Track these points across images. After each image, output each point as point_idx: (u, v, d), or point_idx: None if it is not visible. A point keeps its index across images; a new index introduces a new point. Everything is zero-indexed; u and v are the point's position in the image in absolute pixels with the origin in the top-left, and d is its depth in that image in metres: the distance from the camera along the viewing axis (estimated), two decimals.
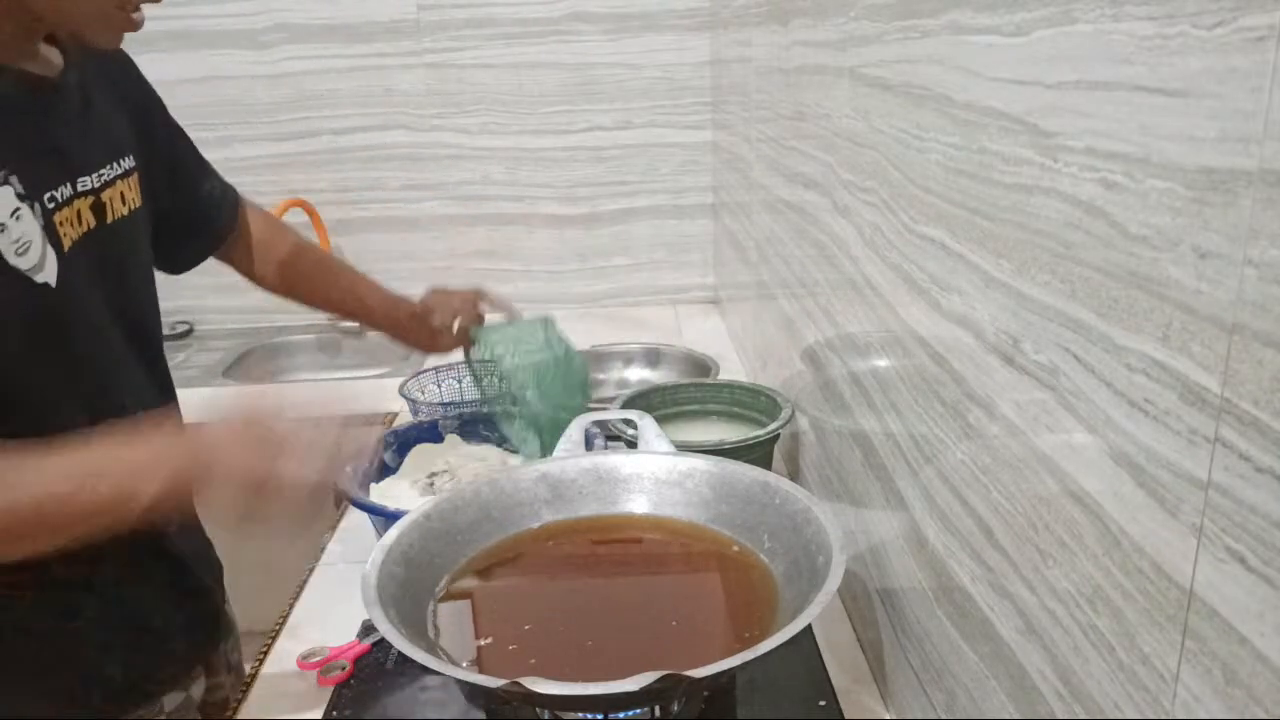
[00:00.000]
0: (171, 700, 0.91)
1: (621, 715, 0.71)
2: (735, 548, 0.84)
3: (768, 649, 0.62)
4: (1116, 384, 0.42)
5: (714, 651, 0.63)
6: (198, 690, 0.96)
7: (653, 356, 1.67)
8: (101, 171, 0.83)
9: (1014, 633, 0.55)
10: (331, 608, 1.01)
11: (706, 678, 0.60)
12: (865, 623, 0.91)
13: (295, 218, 1.94)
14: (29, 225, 0.73)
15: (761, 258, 1.44)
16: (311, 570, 1.10)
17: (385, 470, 1.16)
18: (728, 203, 1.84)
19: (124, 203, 0.86)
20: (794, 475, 1.20)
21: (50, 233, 0.75)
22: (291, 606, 1.03)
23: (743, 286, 1.68)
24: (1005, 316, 0.54)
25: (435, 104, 1.98)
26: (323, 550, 1.14)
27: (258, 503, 0.70)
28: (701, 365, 1.56)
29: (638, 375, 1.61)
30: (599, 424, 1.05)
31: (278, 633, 0.98)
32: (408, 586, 0.76)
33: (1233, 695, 0.35)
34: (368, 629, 0.94)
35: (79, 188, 0.80)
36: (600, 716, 0.70)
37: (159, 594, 0.92)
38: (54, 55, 0.81)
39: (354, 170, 2.01)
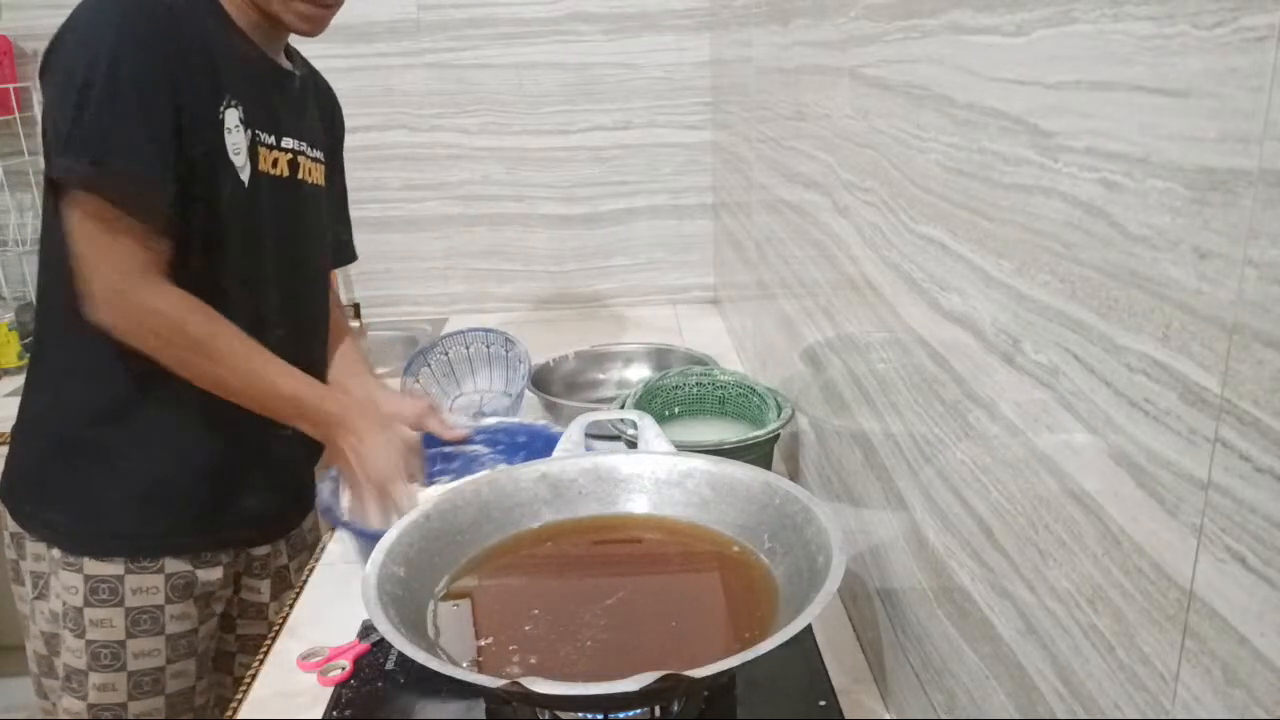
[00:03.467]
0: (173, 564, 1.05)
1: (621, 715, 0.71)
2: (735, 548, 0.84)
3: (768, 649, 0.62)
4: (1116, 384, 0.42)
5: (714, 651, 0.63)
6: (209, 573, 1.08)
7: (653, 356, 1.67)
8: (303, 142, 1.10)
9: (1014, 633, 0.55)
10: (331, 608, 1.01)
11: (706, 678, 0.60)
12: (865, 623, 0.91)
13: None
14: (242, 140, 1.00)
15: (761, 258, 1.44)
16: (311, 570, 1.10)
17: None
18: (728, 203, 1.84)
19: (312, 176, 1.13)
20: (794, 475, 1.20)
21: (253, 155, 1.02)
22: (291, 606, 1.03)
23: (743, 286, 1.68)
24: (1005, 316, 0.54)
25: (435, 104, 1.98)
26: (323, 550, 1.14)
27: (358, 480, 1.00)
28: (701, 365, 1.56)
29: (638, 375, 1.61)
30: (598, 424, 1.05)
31: (278, 633, 0.98)
32: (408, 586, 0.76)
33: (1233, 695, 0.35)
34: (368, 629, 0.94)
35: (282, 144, 1.06)
36: (600, 716, 0.70)
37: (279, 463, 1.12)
38: (286, 64, 1.10)
39: (354, 170, 2.00)
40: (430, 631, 0.75)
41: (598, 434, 1.16)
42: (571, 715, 0.72)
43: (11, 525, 1.07)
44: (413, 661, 0.64)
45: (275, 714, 0.87)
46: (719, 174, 1.95)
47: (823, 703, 0.82)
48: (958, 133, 0.61)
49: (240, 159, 1.00)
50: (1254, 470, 0.33)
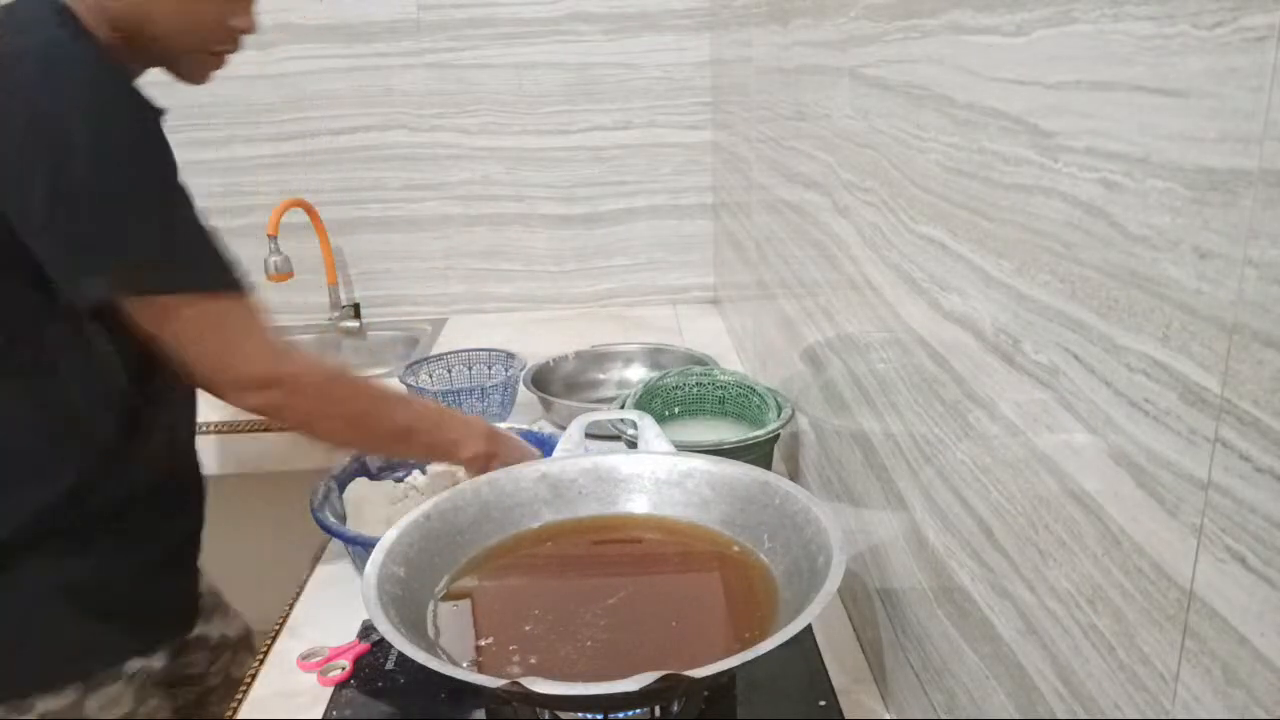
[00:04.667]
0: (131, 666, 0.96)
1: (621, 715, 0.71)
2: (735, 548, 0.84)
3: (768, 649, 0.62)
4: (1116, 384, 0.42)
5: (714, 651, 0.63)
6: (159, 661, 0.99)
7: (653, 356, 1.67)
8: None
9: (1014, 633, 0.55)
10: (331, 608, 1.01)
11: (706, 678, 0.60)
12: (865, 623, 0.91)
13: (295, 218, 1.94)
14: None
15: (761, 258, 1.44)
16: (311, 570, 1.10)
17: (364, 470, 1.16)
18: (728, 203, 1.84)
19: None
20: (794, 475, 1.20)
21: None
22: (291, 606, 1.03)
23: (743, 286, 1.68)
24: (1005, 316, 0.54)
25: (435, 104, 1.98)
26: (323, 550, 1.14)
27: None
28: (701, 365, 1.56)
29: (638, 375, 1.61)
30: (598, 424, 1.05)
31: (278, 633, 0.98)
32: (408, 586, 0.76)
33: (1233, 695, 0.35)
34: (368, 629, 0.94)
35: None
36: (600, 716, 0.70)
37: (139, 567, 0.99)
38: None
39: (354, 170, 2.01)
40: (430, 631, 0.75)
41: (598, 434, 1.16)
42: (571, 715, 0.72)
43: None
44: (413, 661, 0.64)
45: (275, 714, 0.87)
46: (719, 174, 1.95)
47: (823, 703, 0.82)
48: (958, 133, 0.61)
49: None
50: (1254, 470, 0.33)
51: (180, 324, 0.87)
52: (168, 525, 1.01)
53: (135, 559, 0.97)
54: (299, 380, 0.92)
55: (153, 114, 0.85)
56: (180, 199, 0.86)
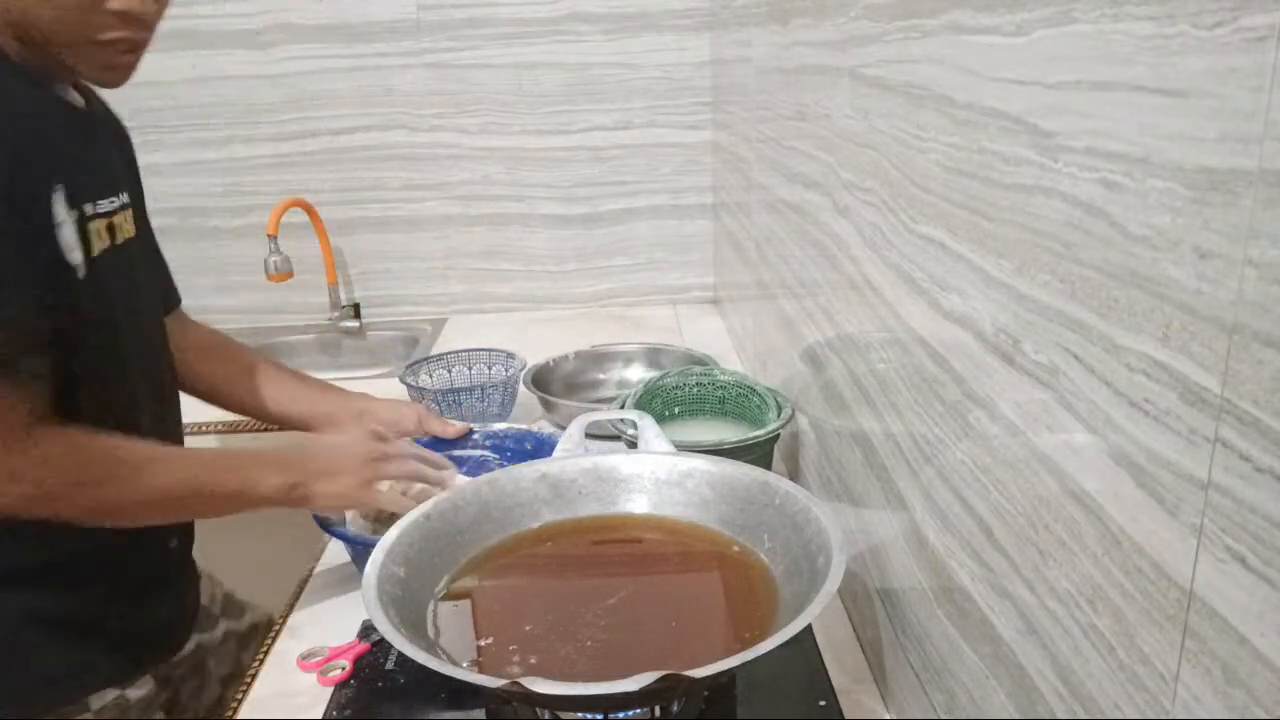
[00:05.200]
0: (99, 699, 0.92)
1: (621, 715, 0.71)
2: (735, 548, 0.84)
3: (768, 649, 0.62)
4: (1116, 384, 0.42)
5: (714, 651, 0.63)
6: (135, 693, 0.95)
7: (653, 356, 1.67)
8: (112, 199, 0.92)
9: (1014, 633, 0.55)
10: (331, 608, 1.01)
11: (706, 678, 0.60)
12: (865, 623, 0.91)
13: (295, 218, 1.94)
14: (71, 229, 0.83)
15: (761, 258, 1.44)
16: (311, 570, 1.10)
17: None
18: (728, 203, 1.84)
19: (124, 230, 0.94)
20: (794, 475, 1.20)
21: (84, 239, 0.85)
22: (291, 606, 1.03)
23: (743, 286, 1.68)
24: (1005, 316, 0.54)
25: (435, 104, 1.98)
26: (323, 550, 1.14)
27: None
28: (701, 366, 1.56)
29: (638, 375, 1.61)
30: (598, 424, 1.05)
31: (278, 633, 0.98)
32: (408, 586, 0.76)
33: (1233, 695, 0.35)
34: (368, 629, 0.94)
35: (99, 207, 0.89)
36: (600, 716, 0.70)
37: (128, 592, 0.96)
38: (77, 99, 0.91)
39: (354, 170, 2.01)
40: (430, 631, 0.75)
41: (598, 434, 1.16)
42: (571, 715, 0.72)
43: None
44: (413, 661, 0.64)
45: (275, 714, 0.87)
46: (719, 174, 1.95)
47: (823, 703, 0.82)
48: (958, 133, 0.61)
49: (75, 253, 0.84)
50: (1254, 470, 0.33)
51: None
52: (143, 555, 0.97)
53: (112, 589, 0.94)
54: (31, 485, 0.80)
55: None
56: None
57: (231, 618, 1.16)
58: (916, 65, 0.69)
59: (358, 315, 2.04)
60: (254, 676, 0.92)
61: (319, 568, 1.10)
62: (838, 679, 0.85)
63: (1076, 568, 0.47)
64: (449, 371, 1.53)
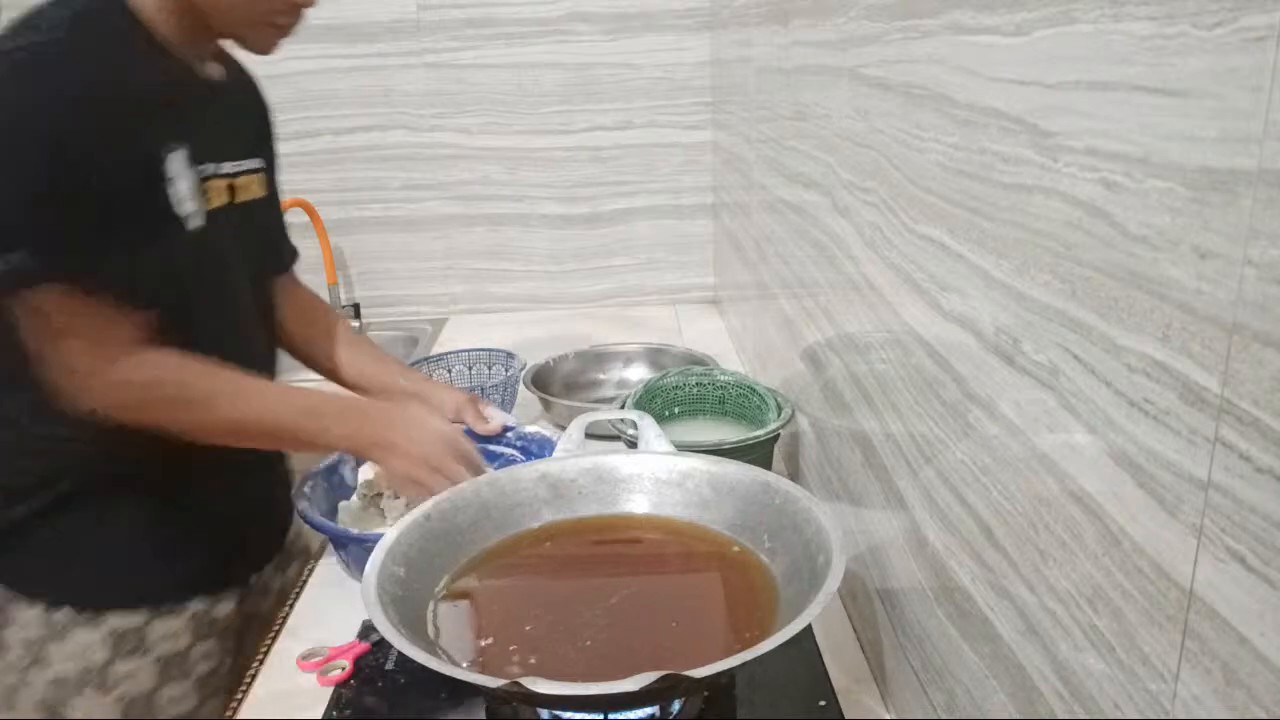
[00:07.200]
0: (194, 605, 1.04)
1: (621, 715, 0.71)
2: (735, 548, 0.84)
3: (768, 649, 0.62)
4: (1116, 384, 0.42)
5: (714, 651, 0.63)
6: (224, 606, 1.07)
7: (653, 356, 1.67)
8: (237, 163, 1.05)
9: (1014, 633, 0.55)
10: (331, 608, 1.01)
11: (706, 678, 0.60)
12: (865, 623, 0.91)
13: (295, 218, 1.94)
14: (188, 185, 0.95)
15: (761, 258, 1.44)
16: (311, 570, 1.10)
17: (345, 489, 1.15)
18: (728, 203, 1.84)
19: (251, 191, 1.08)
20: (794, 475, 1.20)
21: (202, 193, 0.97)
22: (291, 606, 1.03)
23: (743, 286, 1.68)
24: (1005, 316, 0.54)
25: (435, 104, 1.98)
26: (323, 550, 1.14)
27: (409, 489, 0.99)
28: (701, 366, 1.56)
29: (638, 375, 1.61)
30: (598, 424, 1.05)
31: (278, 633, 0.98)
32: (408, 586, 0.76)
33: (1233, 695, 0.35)
34: (368, 629, 0.94)
35: (222, 169, 1.02)
36: (600, 716, 0.70)
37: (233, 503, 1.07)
38: (216, 70, 1.04)
39: (354, 170, 2.01)
40: (430, 631, 0.75)
41: (598, 434, 1.16)
42: (571, 715, 0.72)
43: None
44: (413, 661, 0.64)
45: (275, 714, 0.87)
46: (719, 174, 1.95)
47: (823, 703, 0.82)
48: (958, 133, 0.61)
49: (190, 205, 0.95)
50: (1254, 470, 0.33)
51: (20, 319, 0.88)
52: (244, 477, 1.04)
53: (208, 507, 1.03)
54: (121, 396, 0.90)
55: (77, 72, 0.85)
56: (53, 177, 0.84)
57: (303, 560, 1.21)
58: (916, 65, 0.69)
59: (358, 315, 2.04)
60: (254, 676, 0.92)
61: (319, 567, 1.10)
62: (838, 679, 0.85)
63: (1076, 568, 0.47)
64: (449, 372, 1.53)
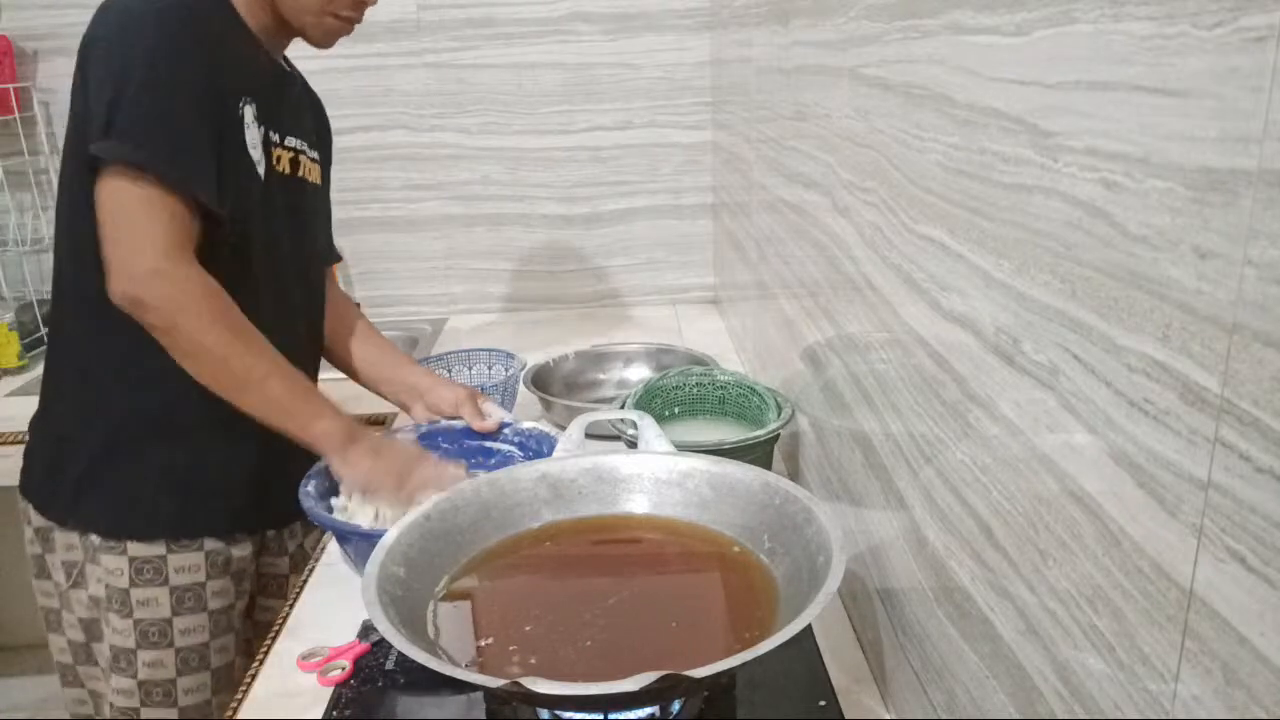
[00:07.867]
0: (209, 544, 1.10)
1: (621, 715, 0.71)
2: (735, 548, 0.84)
3: (768, 649, 0.62)
4: (1116, 384, 0.42)
5: (714, 651, 0.63)
6: (239, 550, 1.12)
7: (653, 356, 1.67)
8: (299, 140, 1.14)
9: (1014, 633, 0.55)
10: (331, 608, 1.01)
11: (706, 678, 0.60)
12: (865, 623, 0.91)
13: None
14: (257, 137, 1.06)
15: (761, 258, 1.44)
16: (311, 570, 1.10)
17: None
18: (728, 203, 1.84)
19: (311, 175, 1.17)
20: (794, 475, 1.20)
21: (267, 152, 1.07)
22: (291, 606, 1.03)
23: (743, 286, 1.68)
24: (1005, 316, 0.54)
25: (435, 104, 1.98)
26: (323, 550, 1.14)
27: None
28: (701, 366, 1.56)
29: (638, 375, 1.61)
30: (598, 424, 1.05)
31: (278, 633, 0.98)
32: (408, 586, 0.76)
33: (1233, 695, 0.35)
34: (368, 629, 0.94)
35: (286, 142, 1.11)
36: (600, 716, 0.70)
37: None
38: (288, 65, 1.17)
39: (354, 170, 2.01)
40: (430, 631, 0.75)
41: (598, 434, 1.16)
42: (571, 715, 0.72)
43: (37, 520, 1.11)
44: (413, 661, 0.64)
45: (275, 714, 0.87)
46: (719, 174, 1.95)
47: (823, 703, 0.82)
48: (958, 133, 0.61)
49: (257, 154, 1.05)
50: (1254, 470, 0.33)
51: (107, 201, 0.94)
52: (269, 432, 1.05)
53: (231, 455, 1.09)
54: (179, 295, 0.95)
55: (183, 9, 0.97)
56: (164, 77, 0.94)
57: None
58: (916, 65, 0.69)
59: None
60: (254, 676, 0.92)
61: (319, 568, 1.10)
62: (838, 679, 0.85)
63: (1076, 568, 0.47)
64: (449, 371, 1.53)
